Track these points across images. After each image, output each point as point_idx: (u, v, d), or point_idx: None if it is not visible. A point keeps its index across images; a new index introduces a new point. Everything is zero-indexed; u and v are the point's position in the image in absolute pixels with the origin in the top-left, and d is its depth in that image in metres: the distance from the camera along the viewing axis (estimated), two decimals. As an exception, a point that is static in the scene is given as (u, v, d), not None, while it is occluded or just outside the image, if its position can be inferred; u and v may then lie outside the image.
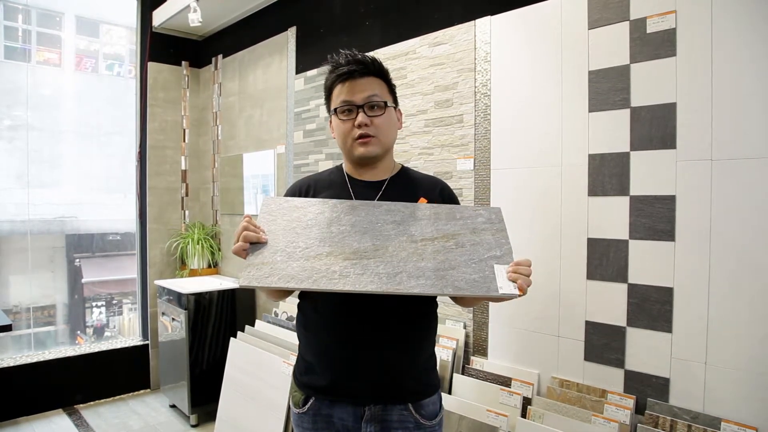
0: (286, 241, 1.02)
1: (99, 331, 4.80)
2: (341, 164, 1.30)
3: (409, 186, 1.25)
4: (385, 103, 1.20)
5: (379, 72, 1.21)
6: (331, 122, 1.25)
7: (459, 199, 1.92)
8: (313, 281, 0.95)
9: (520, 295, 0.97)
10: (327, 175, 1.30)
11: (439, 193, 1.26)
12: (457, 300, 1.24)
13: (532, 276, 1.00)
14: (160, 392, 3.52)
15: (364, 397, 1.15)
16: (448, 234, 1.08)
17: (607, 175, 1.62)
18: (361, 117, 1.17)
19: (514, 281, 0.97)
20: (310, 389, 1.19)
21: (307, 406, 1.19)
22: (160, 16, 3.45)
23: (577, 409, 1.60)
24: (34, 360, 3.21)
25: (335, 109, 1.20)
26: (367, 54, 1.22)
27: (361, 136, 1.17)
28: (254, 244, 1.01)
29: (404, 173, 1.29)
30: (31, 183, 3.85)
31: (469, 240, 1.07)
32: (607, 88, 1.61)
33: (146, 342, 3.63)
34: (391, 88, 1.25)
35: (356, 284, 0.95)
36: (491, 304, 1.94)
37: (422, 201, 1.21)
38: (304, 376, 1.22)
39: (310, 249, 1.01)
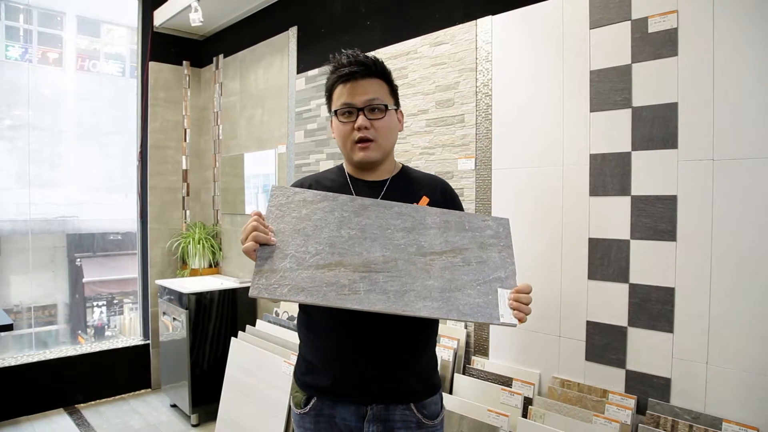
0: (296, 245, 1.01)
1: (100, 331, 4.81)
2: (342, 164, 1.30)
3: (411, 185, 1.25)
4: (386, 106, 1.19)
5: (381, 73, 1.20)
6: (331, 122, 1.25)
7: (460, 199, 1.92)
8: (323, 295, 0.95)
9: (519, 323, 1.01)
10: (329, 175, 1.29)
11: (441, 192, 1.26)
12: None
13: (532, 300, 1.04)
14: (161, 392, 3.52)
15: (367, 397, 1.15)
16: (456, 248, 1.08)
17: (608, 174, 1.62)
18: (361, 120, 1.16)
19: (514, 310, 1.01)
20: (312, 389, 1.19)
21: (309, 407, 1.19)
22: (161, 16, 3.45)
23: (578, 409, 1.60)
24: (35, 359, 3.21)
25: (335, 111, 1.20)
26: (369, 54, 1.21)
27: (360, 140, 1.17)
28: (263, 245, 1.00)
29: (405, 173, 1.29)
30: (32, 183, 3.86)
31: (476, 257, 1.08)
32: (609, 88, 1.61)
33: (147, 342, 3.63)
34: (393, 90, 1.24)
35: (364, 302, 0.95)
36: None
37: (425, 199, 1.21)
38: (306, 375, 1.21)
39: (319, 256, 1.00)
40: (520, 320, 1.00)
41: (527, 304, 1.02)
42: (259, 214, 1.02)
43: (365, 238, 1.05)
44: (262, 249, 0.99)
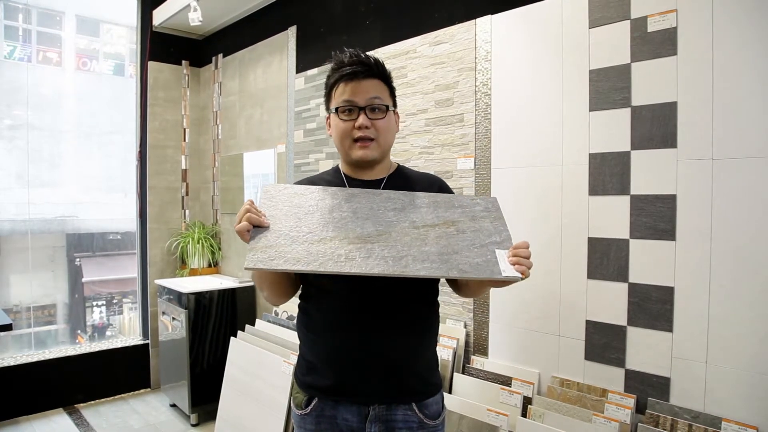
0: (289, 226, 1.02)
1: (100, 331, 4.81)
2: (338, 165, 1.31)
3: (407, 184, 1.25)
4: (387, 107, 1.20)
5: (382, 75, 1.21)
6: (328, 120, 1.25)
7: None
8: (320, 264, 0.94)
9: (522, 278, 0.98)
10: (325, 176, 1.30)
11: (438, 191, 1.26)
12: (460, 290, 1.25)
13: (531, 259, 1.02)
14: (160, 391, 3.52)
15: (369, 398, 1.15)
16: (448, 221, 1.09)
17: (607, 174, 1.62)
18: (362, 119, 1.17)
19: (515, 265, 0.99)
20: (313, 389, 1.19)
21: (310, 407, 1.19)
22: (160, 15, 3.45)
23: (578, 408, 1.60)
24: (35, 359, 3.21)
25: (336, 108, 1.20)
26: (370, 55, 1.22)
27: (360, 139, 1.18)
28: (256, 228, 1.00)
29: (401, 172, 1.29)
30: (32, 182, 3.86)
31: (470, 227, 1.08)
32: (608, 87, 1.61)
33: (146, 341, 3.63)
34: (392, 91, 1.25)
35: (363, 267, 0.95)
36: (492, 302, 1.94)
37: None
38: (306, 376, 1.21)
39: (313, 233, 1.01)
40: (523, 274, 0.98)
41: (527, 258, 1.01)
42: (252, 201, 1.03)
43: (357, 218, 1.06)
44: (255, 230, 1.00)
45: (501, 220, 1.12)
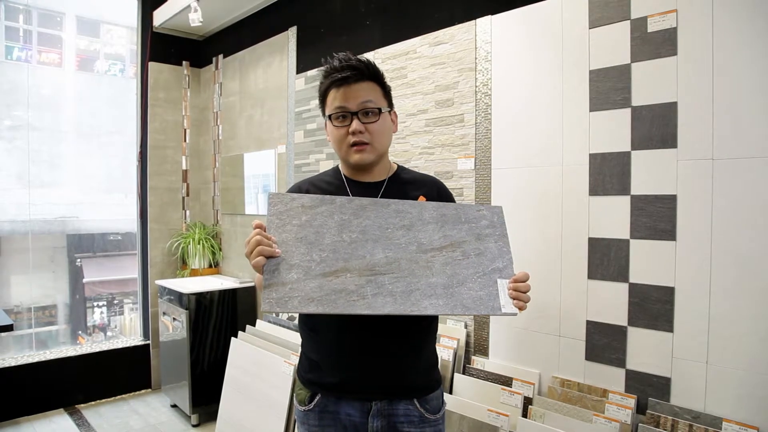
0: (300, 254, 1.02)
1: (102, 331, 4.81)
2: (338, 166, 1.31)
3: (407, 187, 1.26)
4: (380, 109, 1.20)
5: (374, 76, 1.21)
6: (326, 126, 1.25)
7: (459, 199, 1.92)
8: (332, 303, 0.97)
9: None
10: (325, 177, 1.30)
11: (437, 193, 1.27)
12: None
13: (530, 290, 1.07)
14: (161, 392, 3.52)
15: (371, 394, 1.17)
16: (454, 242, 1.11)
17: (607, 174, 1.62)
18: (355, 124, 1.17)
19: (514, 299, 1.05)
20: (316, 386, 1.20)
21: (313, 403, 1.20)
22: (160, 16, 3.45)
23: (579, 408, 1.60)
24: (36, 360, 3.21)
25: (330, 116, 1.20)
26: (361, 57, 1.22)
27: (355, 143, 1.18)
28: (269, 258, 1.00)
29: (401, 174, 1.30)
30: (32, 183, 3.86)
31: (474, 249, 1.11)
32: (608, 88, 1.61)
33: (147, 342, 3.63)
34: (386, 91, 1.24)
35: (372, 307, 0.98)
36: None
37: (422, 200, 1.22)
38: (309, 373, 1.23)
39: (325, 263, 1.02)
40: (521, 309, 1.04)
41: (526, 292, 1.06)
42: (261, 226, 1.02)
43: (367, 240, 1.07)
44: (268, 262, 1.00)
45: (504, 238, 1.15)
